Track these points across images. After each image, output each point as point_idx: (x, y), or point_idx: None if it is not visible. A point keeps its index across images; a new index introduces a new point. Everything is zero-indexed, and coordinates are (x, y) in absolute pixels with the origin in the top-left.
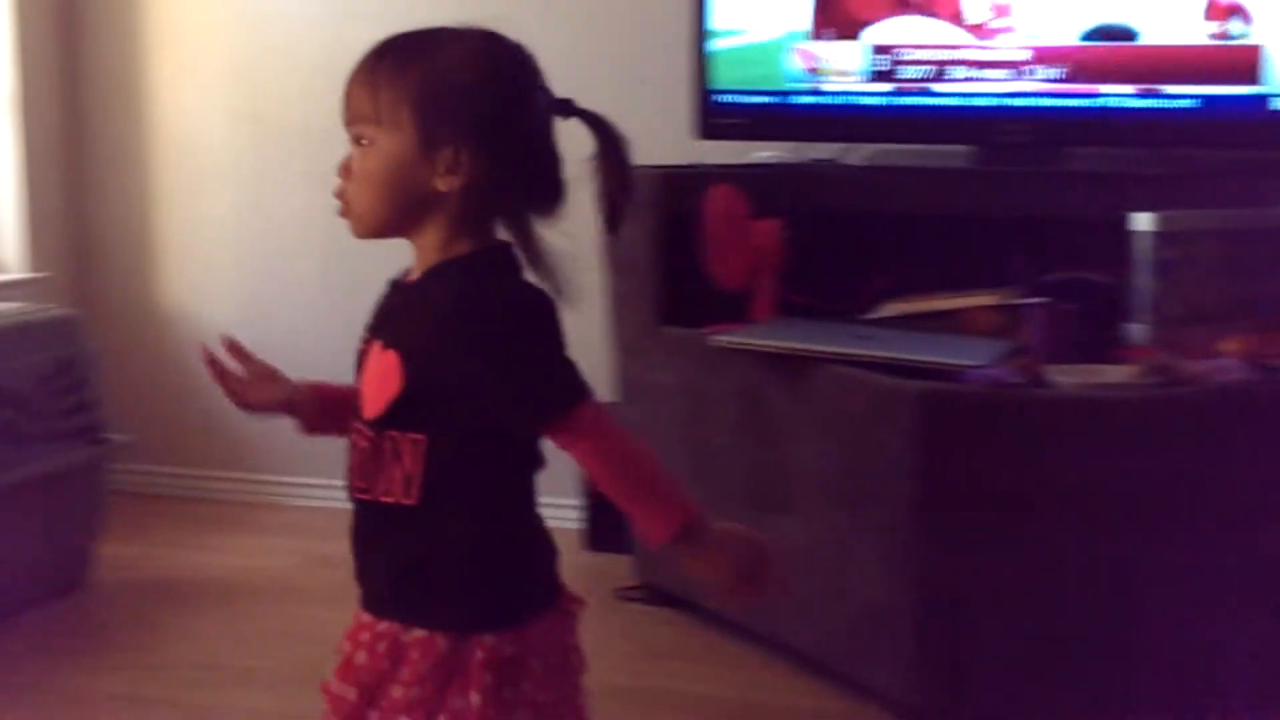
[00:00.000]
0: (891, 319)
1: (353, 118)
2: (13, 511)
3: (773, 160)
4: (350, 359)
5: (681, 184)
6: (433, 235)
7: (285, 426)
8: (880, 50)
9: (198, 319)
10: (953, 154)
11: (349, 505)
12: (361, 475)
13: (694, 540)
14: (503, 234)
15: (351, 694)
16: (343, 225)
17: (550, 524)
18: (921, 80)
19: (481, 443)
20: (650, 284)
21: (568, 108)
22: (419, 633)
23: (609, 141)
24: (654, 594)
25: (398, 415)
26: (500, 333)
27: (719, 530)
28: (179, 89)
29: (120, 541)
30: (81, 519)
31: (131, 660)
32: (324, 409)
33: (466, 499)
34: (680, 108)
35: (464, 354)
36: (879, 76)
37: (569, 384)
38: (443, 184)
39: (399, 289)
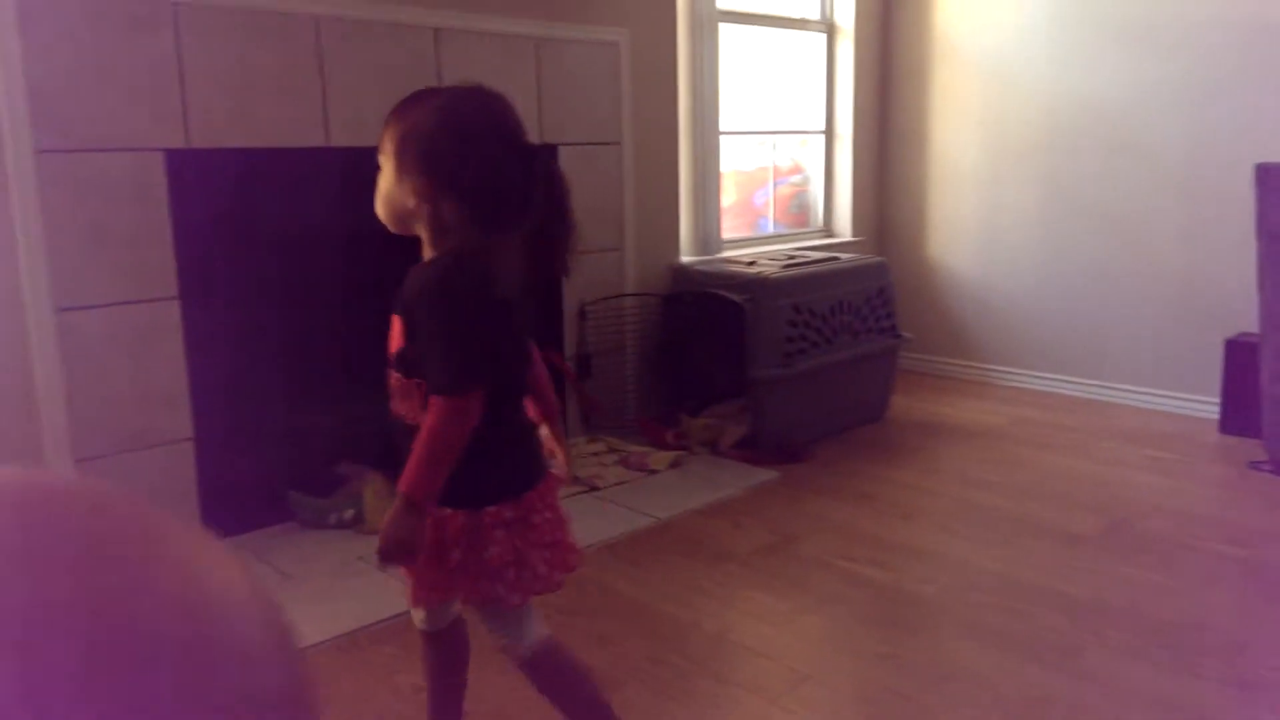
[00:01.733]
0: None
1: (378, 149)
2: (848, 373)
3: None
4: None
5: None
6: (423, 236)
7: (1003, 330)
8: None
9: (951, 267)
10: None
11: (1039, 386)
12: (397, 404)
13: (409, 508)
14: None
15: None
16: (1047, 208)
17: (1192, 414)
18: None
19: None
20: None
21: (527, 153)
22: (447, 511)
23: (554, 188)
24: (1279, 467)
25: (405, 364)
26: (426, 315)
27: (418, 521)
28: (948, 125)
29: (903, 395)
30: (885, 380)
31: (913, 463)
32: None
33: None
34: None
35: (414, 327)
36: None
37: (449, 374)
38: (411, 204)
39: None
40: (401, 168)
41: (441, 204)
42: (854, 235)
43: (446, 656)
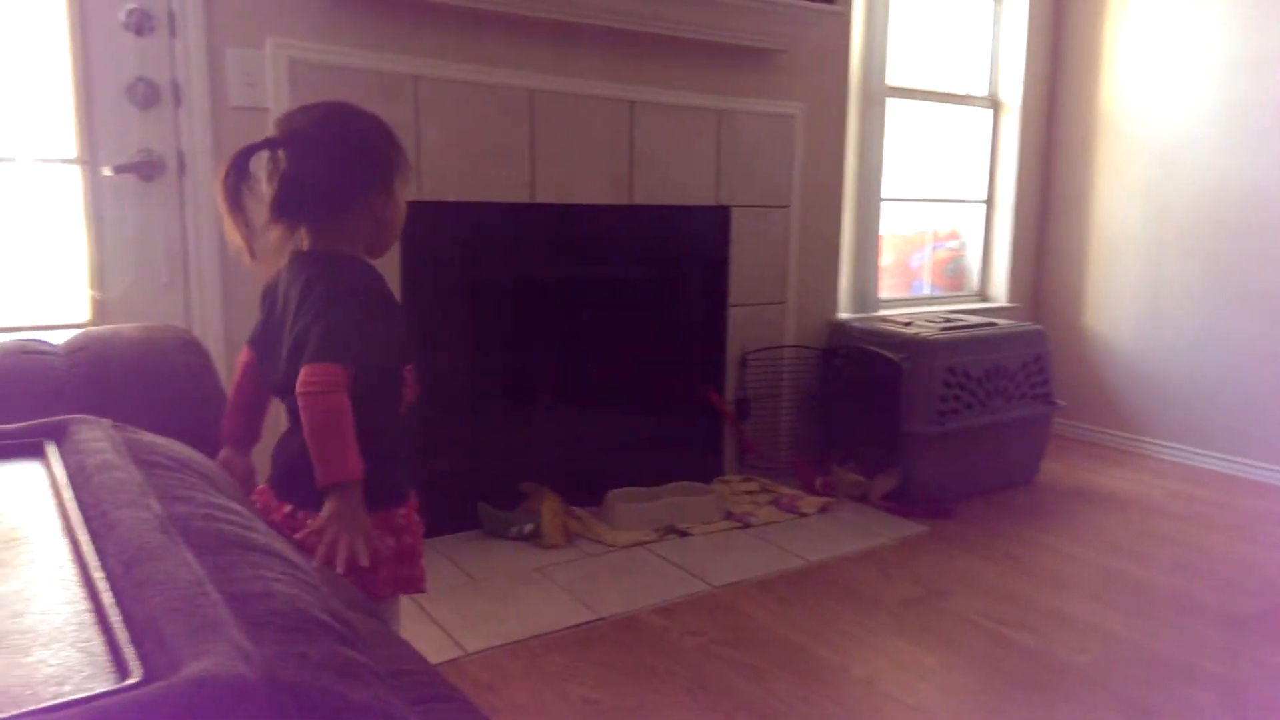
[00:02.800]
0: None
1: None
2: (1000, 436)
3: None
4: None
5: None
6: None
7: (1161, 403)
8: None
9: (1107, 337)
10: None
11: (1194, 461)
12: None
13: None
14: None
15: None
16: (1210, 286)
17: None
18: None
19: None
20: None
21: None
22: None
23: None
24: None
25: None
26: None
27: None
28: (1110, 200)
29: (1054, 461)
30: (1036, 445)
31: (1063, 529)
32: None
33: None
34: None
35: None
36: None
37: None
38: None
39: None
40: None
41: None
42: (1010, 301)
43: None
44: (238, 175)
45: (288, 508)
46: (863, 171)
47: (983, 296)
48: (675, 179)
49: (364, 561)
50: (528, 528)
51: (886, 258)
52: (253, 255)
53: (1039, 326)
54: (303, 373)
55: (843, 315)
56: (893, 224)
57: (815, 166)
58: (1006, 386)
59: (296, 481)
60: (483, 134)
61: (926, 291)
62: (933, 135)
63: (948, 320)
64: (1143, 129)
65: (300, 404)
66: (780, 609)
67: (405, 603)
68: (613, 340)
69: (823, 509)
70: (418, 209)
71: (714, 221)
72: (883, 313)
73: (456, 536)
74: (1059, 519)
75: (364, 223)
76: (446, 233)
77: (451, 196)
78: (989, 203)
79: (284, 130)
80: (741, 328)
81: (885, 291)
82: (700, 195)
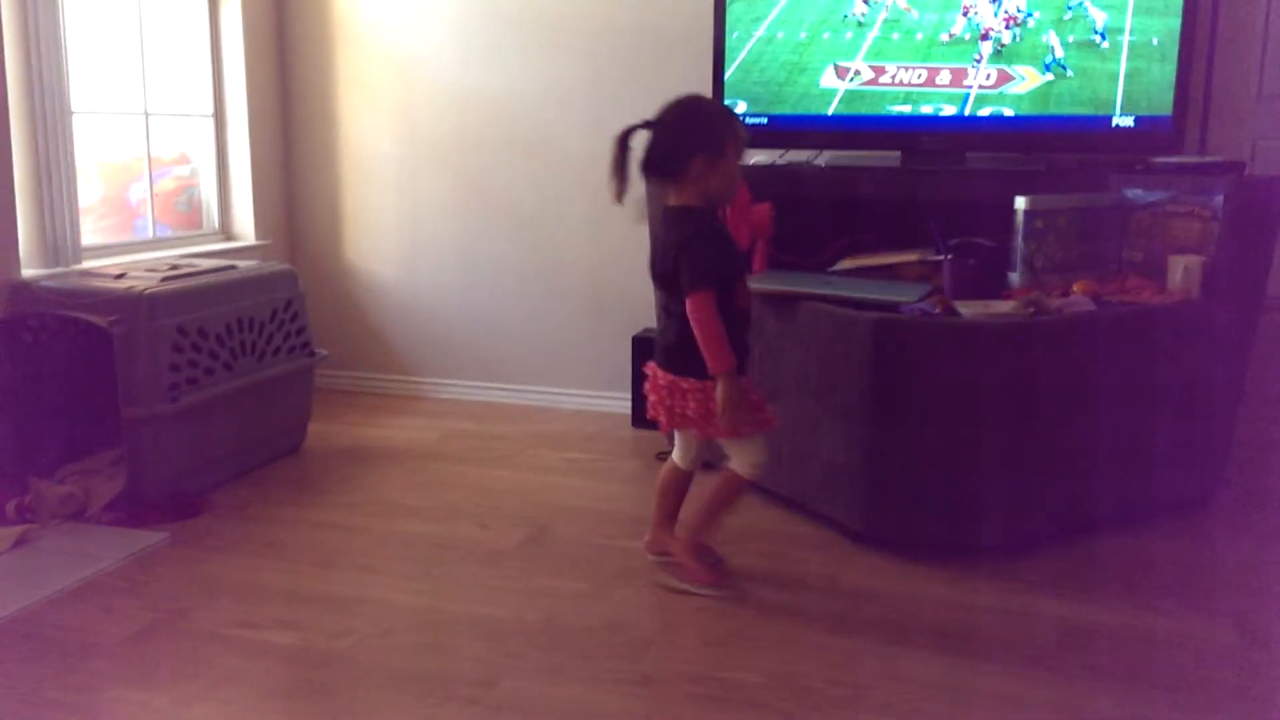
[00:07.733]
0: (848, 270)
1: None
2: (254, 401)
3: (764, 162)
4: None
5: None
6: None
7: (430, 339)
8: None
9: (370, 271)
10: (888, 158)
11: (472, 396)
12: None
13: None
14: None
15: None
16: (463, 206)
17: (611, 411)
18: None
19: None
20: None
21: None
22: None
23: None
24: None
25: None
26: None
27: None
28: (359, 114)
29: (323, 421)
30: (299, 406)
31: (334, 499)
32: None
33: None
34: None
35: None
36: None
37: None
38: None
39: None
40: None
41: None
42: (259, 238)
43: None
44: (621, 146)
45: (668, 377)
46: (34, 73)
47: (227, 234)
48: None
49: (745, 431)
50: None
51: (94, 193)
52: (618, 200)
53: (286, 267)
54: (689, 302)
55: (29, 273)
56: (99, 147)
57: None
58: (256, 342)
59: (671, 359)
60: None
61: (153, 233)
62: (139, 31)
63: (174, 267)
64: (382, 35)
65: (692, 324)
66: None
67: None
68: None
69: (19, 541)
70: None
71: None
72: (87, 264)
73: None
74: (329, 488)
75: (699, 179)
76: None
77: None
78: (218, 118)
79: (655, 116)
80: None
81: (95, 236)
82: None
